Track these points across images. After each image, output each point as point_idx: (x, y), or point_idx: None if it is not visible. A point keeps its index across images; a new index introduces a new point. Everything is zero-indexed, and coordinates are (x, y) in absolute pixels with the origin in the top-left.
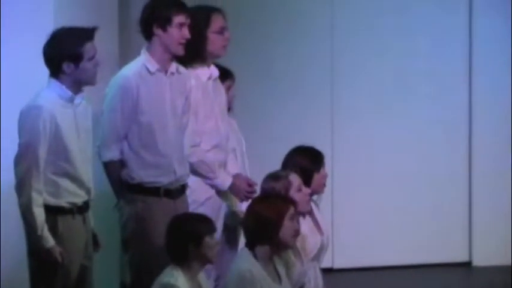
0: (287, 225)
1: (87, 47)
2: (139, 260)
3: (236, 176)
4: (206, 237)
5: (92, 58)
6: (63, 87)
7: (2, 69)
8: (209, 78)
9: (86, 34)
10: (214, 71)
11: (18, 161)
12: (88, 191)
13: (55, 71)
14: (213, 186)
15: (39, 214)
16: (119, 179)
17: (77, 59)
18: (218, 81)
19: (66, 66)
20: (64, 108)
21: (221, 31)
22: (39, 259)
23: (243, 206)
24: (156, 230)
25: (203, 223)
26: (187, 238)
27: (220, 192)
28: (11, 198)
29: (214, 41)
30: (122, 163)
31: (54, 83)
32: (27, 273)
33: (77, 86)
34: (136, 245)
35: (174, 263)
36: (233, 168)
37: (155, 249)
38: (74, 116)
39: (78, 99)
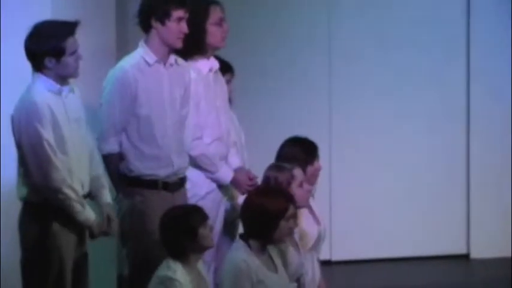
0: (283, 225)
1: (69, 42)
2: (137, 252)
3: (238, 170)
4: (200, 228)
5: (73, 53)
6: (50, 80)
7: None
8: (210, 70)
9: (68, 29)
10: (215, 63)
11: (31, 161)
12: (82, 185)
13: (37, 66)
14: (214, 179)
15: (76, 194)
16: (117, 172)
17: (58, 53)
18: (219, 73)
19: (48, 61)
20: (55, 101)
21: (220, 23)
22: (33, 257)
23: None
24: (154, 223)
25: (194, 214)
26: (182, 234)
27: (221, 186)
28: (11, 197)
29: (213, 33)
30: (120, 156)
31: (40, 77)
32: None
33: (60, 80)
34: (135, 238)
35: (172, 257)
36: (235, 161)
37: (153, 242)
38: (64, 108)
39: (65, 90)
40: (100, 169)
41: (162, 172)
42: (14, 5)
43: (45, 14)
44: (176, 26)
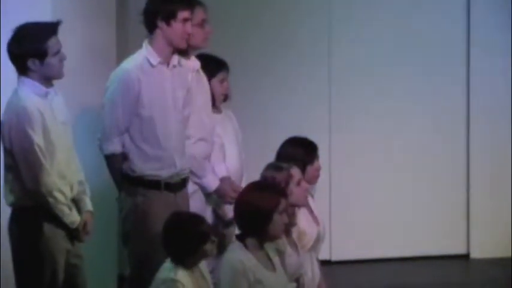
0: (277, 219)
1: (52, 42)
2: (139, 252)
3: (223, 180)
4: (212, 235)
5: (57, 53)
6: (36, 83)
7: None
8: (191, 71)
9: (50, 29)
10: (195, 63)
11: (23, 166)
12: (71, 187)
13: (22, 69)
14: (199, 185)
15: (65, 198)
16: (120, 172)
17: (41, 55)
18: (201, 72)
19: (32, 63)
20: (43, 104)
21: (202, 24)
22: (26, 261)
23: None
24: (156, 223)
25: (206, 222)
26: (197, 238)
27: (204, 192)
28: None
29: (195, 34)
30: (123, 156)
31: (26, 80)
32: None
33: (45, 81)
34: (137, 237)
35: (175, 261)
36: (221, 170)
37: (155, 242)
38: (51, 111)
39: (51, 93)
40: (82, 175)
41: (164, 173)
42: (15, 5)
43: (46, 14)
44: (181, 26)
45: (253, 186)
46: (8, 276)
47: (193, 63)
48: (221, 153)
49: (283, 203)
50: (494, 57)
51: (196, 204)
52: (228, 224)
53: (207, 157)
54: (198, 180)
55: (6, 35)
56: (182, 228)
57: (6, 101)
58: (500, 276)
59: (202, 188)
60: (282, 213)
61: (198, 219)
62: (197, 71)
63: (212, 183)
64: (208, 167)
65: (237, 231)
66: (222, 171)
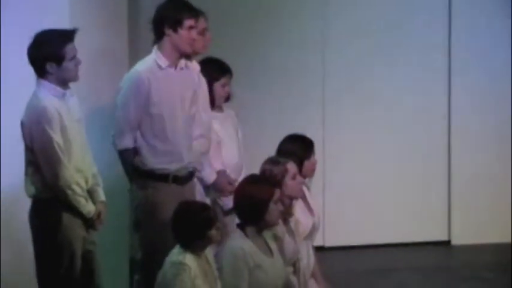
0: (272, 208)
1: (68, 48)
2: (149, 239)
3: (219, 173)
4: (217, 222)
5: (73, 58)
6: (53, 85)
7: (6, 68)
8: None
9: (67, 36)
10: (196, 66)
11: (43, 162)
12: (86, 181)
13: (40, 72)
14: (197, 177)
15: (81, 190)
16: (132, 166)
17: (59, 59)
18: (200, 75)
19: (49, 66)
20: (60, 104)
21: (203, 32)
22: (46, 249)
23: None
24: (165, 213)
25: (211, 209)
26: (204, 224)
27: (203, 184)
28: (9, 198)
29: (197, 41)
30: (135, 151)
31: (44, 82)
32: (27, 274)
33: (62, 84)
34: (147, 226)
35: (183, 246)
36: (217, 164)
37: (163, 229)
38: (68, 110)
39: (67, 94)
40: (95, 168)
41: (173, 166)
42: (35, 13)
43: (63, 22)
44: (187, 33)
45: (249, 180)
46: (7, 278)
47: (194, 66)
48: (218, 149)
49: (277, 193)
50: (474, 55)
51: (197, 195)
52: (226, 213)
53: (206, 152)
54: (197, 173)
55: (27, 42)
56: (190, 215)
57: (6, 102)
58: (480, 262)
59: (201, 181)
60: (277, 202)
61: (204, 206)
62: (197, 73)
63: (210, 176)
64: (206, 162)
65: (236, 220)
66: (218, 165)
